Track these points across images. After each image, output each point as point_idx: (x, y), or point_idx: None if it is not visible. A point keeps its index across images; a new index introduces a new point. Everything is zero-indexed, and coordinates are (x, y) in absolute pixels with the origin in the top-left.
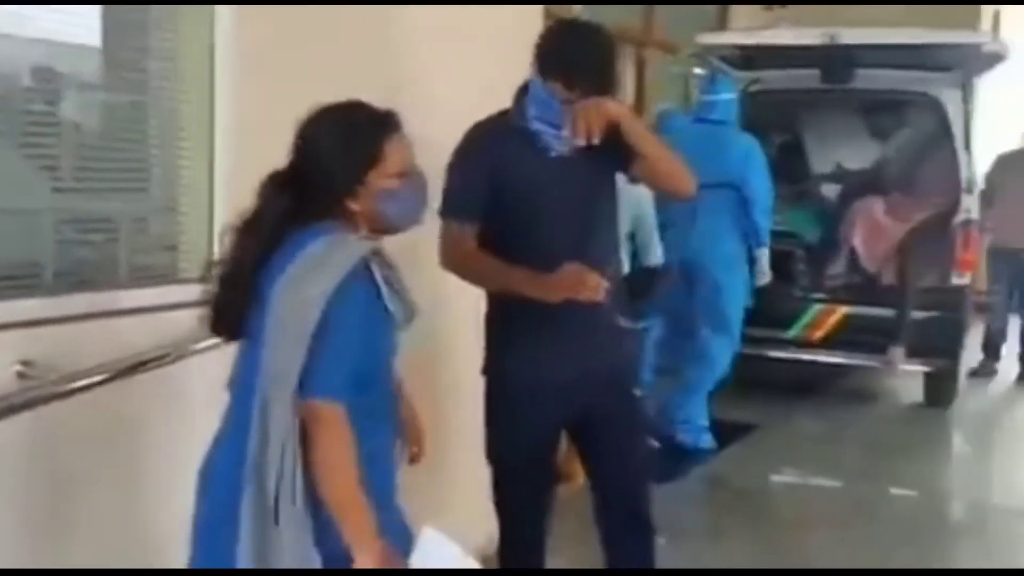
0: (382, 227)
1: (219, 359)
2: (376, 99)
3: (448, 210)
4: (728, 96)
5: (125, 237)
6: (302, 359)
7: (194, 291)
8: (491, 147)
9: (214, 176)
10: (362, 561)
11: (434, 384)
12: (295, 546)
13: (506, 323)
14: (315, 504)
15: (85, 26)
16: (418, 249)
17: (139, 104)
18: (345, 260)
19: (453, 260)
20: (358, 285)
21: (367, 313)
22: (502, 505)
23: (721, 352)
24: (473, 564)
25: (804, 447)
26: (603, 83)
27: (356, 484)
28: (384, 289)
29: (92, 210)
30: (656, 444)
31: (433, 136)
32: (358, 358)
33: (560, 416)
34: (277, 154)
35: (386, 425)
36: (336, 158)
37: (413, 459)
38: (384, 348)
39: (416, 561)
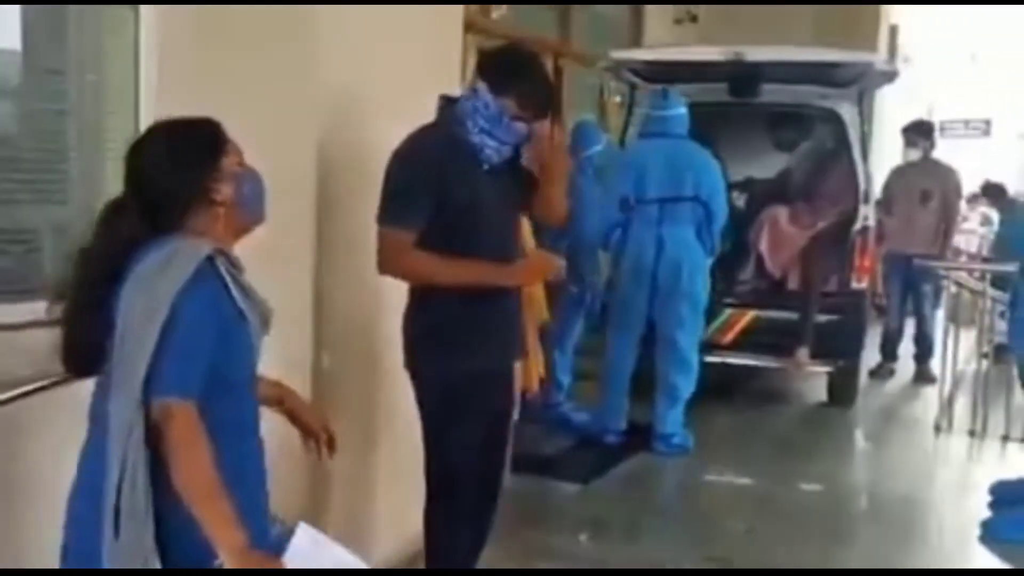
0: (239, 217)
1: None
2: (302, 100)
3: (393, 217)
4: (680, 111)
5: (47, 247)
6: (148, 359)
7: None
8: (433, 156)
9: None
10: (226, 557)
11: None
12: (134, 550)
13: (455, 321)
14: (172, 505)
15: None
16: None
17: (60, 112)
18: (190, 259)
19: (400, 265)
20: (205, 284)
21: (216, 311)
22: (453, 513)
23: (695, 357)
24: (358, 564)
25: (717, 446)
26: (549, 107)
27: (214, 479)
28: (233, 289)
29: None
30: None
31: (360, 135)
32: (212, 357)
33: (498, 407)
34: None
35: (252, 436)
36: (174, 182)
37: (330, 448)
38: (241, 351)
39: (289, 560)
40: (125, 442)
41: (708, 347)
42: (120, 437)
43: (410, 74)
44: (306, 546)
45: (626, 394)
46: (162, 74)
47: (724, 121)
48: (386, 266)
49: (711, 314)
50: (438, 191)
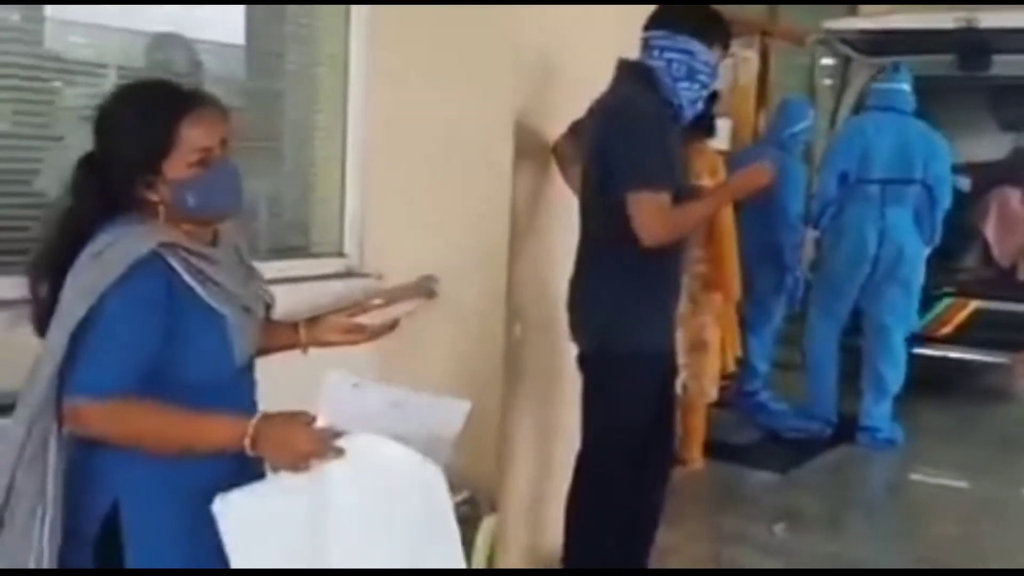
0: (188, 218)
1: None
2: (502, 68)
3: (652, 180)
4: (907, 86)
5: (263, 214)
6: (60, 354)
7: (328, 264)
8: (662, 117)
9: (346, 155)
10: (251, 450)
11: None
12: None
13: (640, 296)
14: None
15: (231, 25)
16: None
17: (278, 91)
18: (125, 255)
19: (668, 227)
20: (139, 281)
21: (154, 309)
22: (617, 494)
23: (905, 349)
24: (407, 398)
25: (930, 444)
26: (729, 39)
27: (166, 428)
28: (194, 284)
29: None
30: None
31: (560, 105)
32: (160, 360)
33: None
34: (407, 133)
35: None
36: (128, 145)
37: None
38: (207, 349)
39: (325, 411)
40: (14, 460)
41: (923, 339)
42: (10, 450)
43: (609, 44)
44: (343, 393)
45: (835, 382)
46: (370, 61)
47: (947, 97)
48: (655, 231)
49: (926, 304)
50: (671, 150)
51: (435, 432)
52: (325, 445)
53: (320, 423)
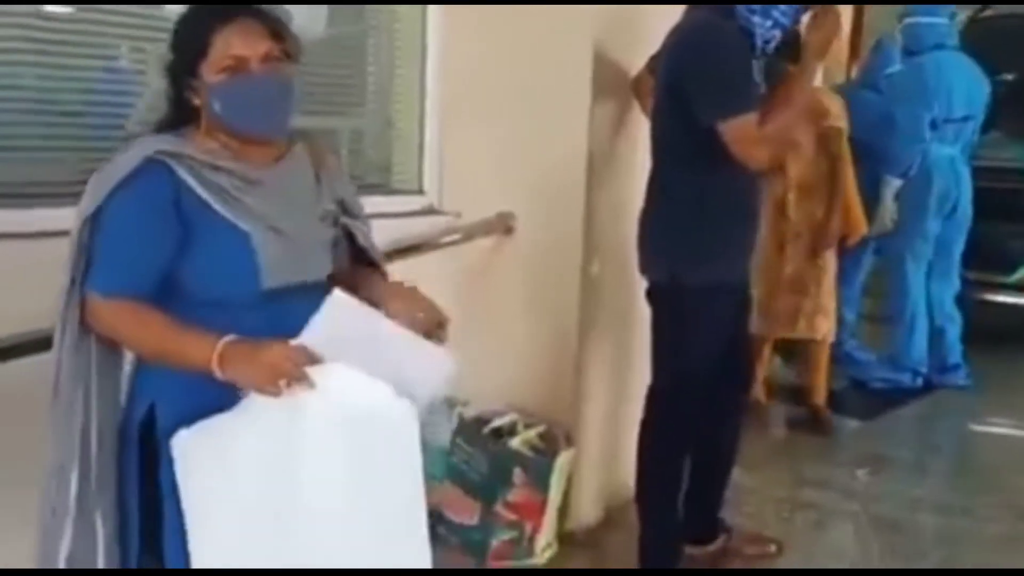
0: (224, 129)
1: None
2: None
3: (737, 105)
4: (948, 20)
5: (345, 151)
6: (74, 250)
7: (408, 201)
8: (739, 43)
9: (425, 93)
10: (218, 371)
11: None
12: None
13: (708, 226)
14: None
15: None
16: None
17: (360, 31)
18: (133, 157)
19: (765, 144)
20: (144, 182)
21: (153, 214)
22: (687, 430)
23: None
24: (395, 334)
25: (1018, 396)
26: None
27: (154, 337)
28: (202, 192)
29: (316, 125)
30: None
31: (640, 38)
32: (171, 267)
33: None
34: (486, 70)
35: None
36: (175, 45)
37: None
38: (226, 265)
39: (311, 332)
40: (58, 342)
41: (1019, 289)
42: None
43: None
44: (340, 312)
45: (926, 331)
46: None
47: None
48: (754, 152)
49: (1016, 253)
50: (752, 76)
51: (411, 380)
52: (296, 367)
53: (298, 341)
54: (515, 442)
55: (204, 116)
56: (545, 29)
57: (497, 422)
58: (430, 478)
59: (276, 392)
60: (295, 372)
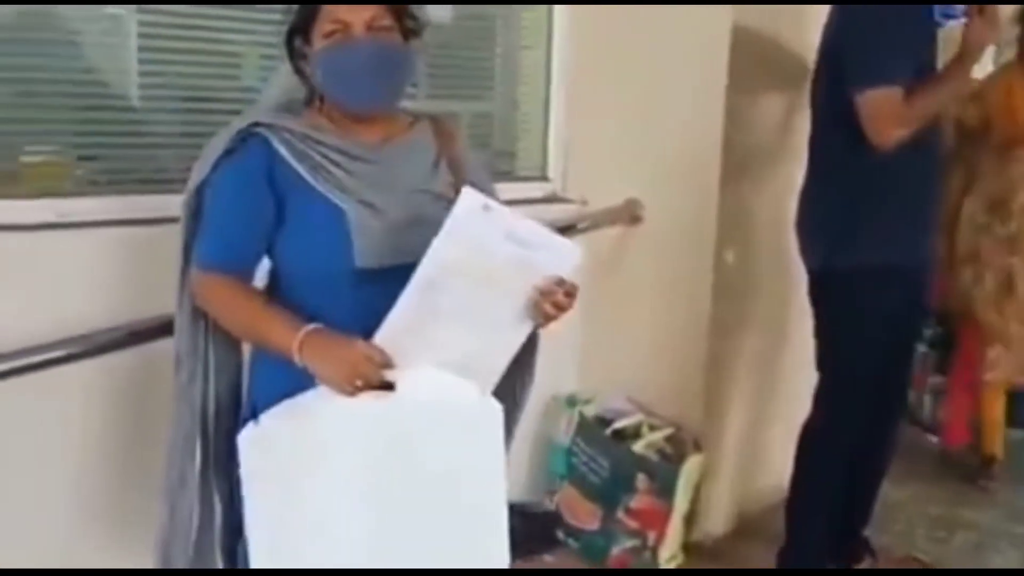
0: (332, 102)
1: None
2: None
3: (885, 74)
4: None
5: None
6: (183, 225)
7: (532, 188)
8: (913, 11)
9: (551, 78)
10: (297, 358)
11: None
12: None
13: (869, 205)
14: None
15: None
16: None
17: (488, 15)
18: (232, 130)
19: (897, 122)
20: (241, 154)
21: (246, 187)
22: (833, 437)
23: None
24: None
25: None
26: None
27: (245, 318)
28: (296, 165)
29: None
30: None
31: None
32: (266, 237)
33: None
34: (613, 54)
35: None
36: (294, 12)
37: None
38: (320, 239)
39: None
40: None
41: None
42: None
43: None
44: (472, 216)
45: None
46: None
47: None
48: (882, 129)
49: None
50: (913, 46)
51: (541, 269)
52: (375, 369)
53: (383, 332)
54: (639, 446)
55: (317, 90)
56: (679, 9)
57: (621, 423)
58: (553, 476)
59: (350, 392)
60: (373, 374)
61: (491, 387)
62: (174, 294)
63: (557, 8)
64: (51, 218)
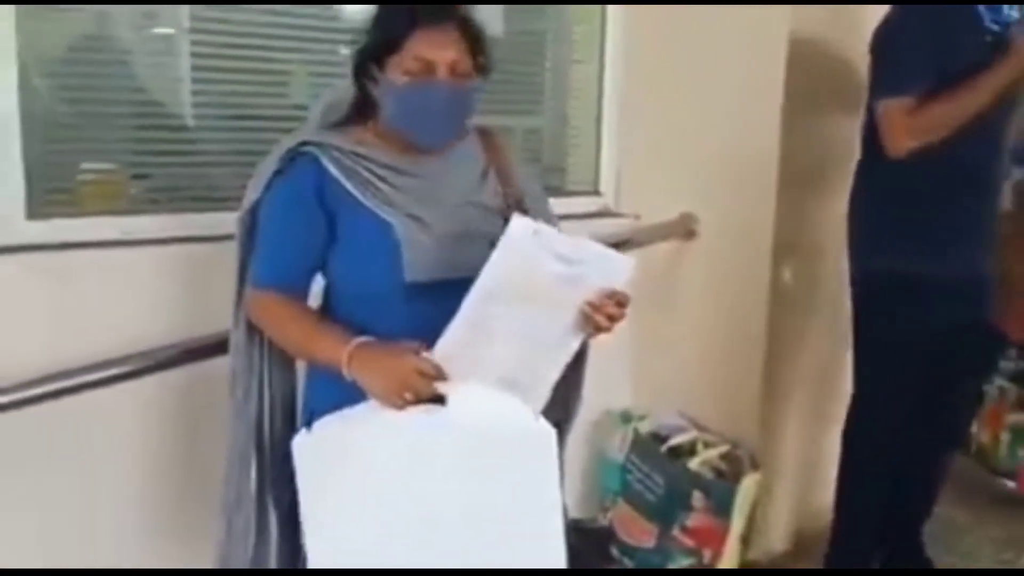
0: (393, 130)
1: None
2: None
3: (902, 83)
4: None
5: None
6: (238, 244)
7: (584, 203)
8: (930, 15)
9: (603, 93)
10: (346, 371)
11: None
12: None
13: (904, 212)
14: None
15: None
16: None
17: (539, 31)
18: (283, 148)
19: (911, 133)
20: (292, 172)
21: (298, 205)
22: (885, 447)
23: None
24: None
25: None
26: None
27: (297, 335)
28: (344, 180)
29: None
30: None
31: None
32: (317, 254)
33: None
34: (666, 67)
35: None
36: (373, 27)
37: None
38: (371, 257)
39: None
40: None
41: None
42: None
43: None
44: (523, 241)
45: None
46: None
47: None
48: (895, 139)
49: None
50: (937, 54)
51: (594, 284)
52: (426, 382)
53: (441, 346)
54: (695, 463)
55: (378, 113)
56: (734, 21)
57: (675, 440)
58: (606, 492)
59: (399, 405)
60: (423, 387)
61: (542, 403)
62: (230, 312)
63: (610, 21)
64: (113, 235)
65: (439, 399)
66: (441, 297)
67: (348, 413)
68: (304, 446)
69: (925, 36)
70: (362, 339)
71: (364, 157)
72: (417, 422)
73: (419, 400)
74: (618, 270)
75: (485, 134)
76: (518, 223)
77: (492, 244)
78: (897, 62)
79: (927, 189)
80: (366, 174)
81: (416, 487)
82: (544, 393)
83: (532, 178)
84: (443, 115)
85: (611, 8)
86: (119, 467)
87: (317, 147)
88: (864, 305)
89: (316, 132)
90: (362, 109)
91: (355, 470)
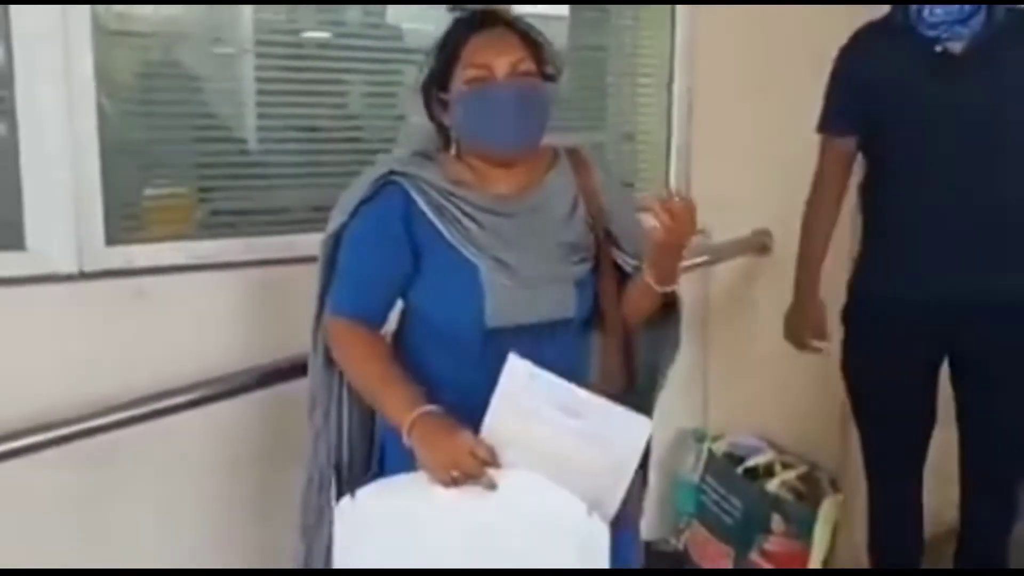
0: (470, 147)
1: None
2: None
3: (821, 118)
4: None
5: None
6: (319, 270)
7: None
8: (859, 44)
9: (671, 107)
10: (406, 438)
11: None
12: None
13: (869, 235)
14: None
15: None
16: None
17: (603, 47)
18: (370, 176)
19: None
20: (377, 201)
21: (383, 234)
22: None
23: None
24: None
25: None
26: None
27: (371, 375)
28: (431, 216)
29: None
30: None
31: None
32: (400, 289)
33: (935, 348)
34: (736, 82)
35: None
36: (432, 60)
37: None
38: (454, 298)
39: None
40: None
41: None
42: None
43: None
44: (518, 381)
45: None
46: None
47: None
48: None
49: None
50: (870, 87)
51: (612, 454)
52: (476, 465)
53: (484, 433)
54: (773, 484)
55: (454, 136)
56: (808, 33)
57: (752, 461)
58: (681, 513)
59: (447, 483)
60: (474, 469)
61: (610, 513)
62: (309, 337)
63: (679, 30)
64: (183, 260)
65: (490, 483)
66: (521, 341)
67: (394, 482)
68: (346, 511)
69: (853, 64)
70: (426, 408)
71: (453, 194)
72: (467, 503)
73: (468, 480)
74: (634, 432)
75: (573, 155)
76: (514, 364)
77: (576, 285)
78: (826, 97)
79: (884, 215)
80: (455, 211)
81: (458, 566)
82: (609, 510)
83: (620, 192)
84: (510, 117)
85: (680, 15)
86: (195, 493)
87: (405, 177)
88: (851, 323)
89: (405, 162)
90: (447, 140)
91: (395, 540)
